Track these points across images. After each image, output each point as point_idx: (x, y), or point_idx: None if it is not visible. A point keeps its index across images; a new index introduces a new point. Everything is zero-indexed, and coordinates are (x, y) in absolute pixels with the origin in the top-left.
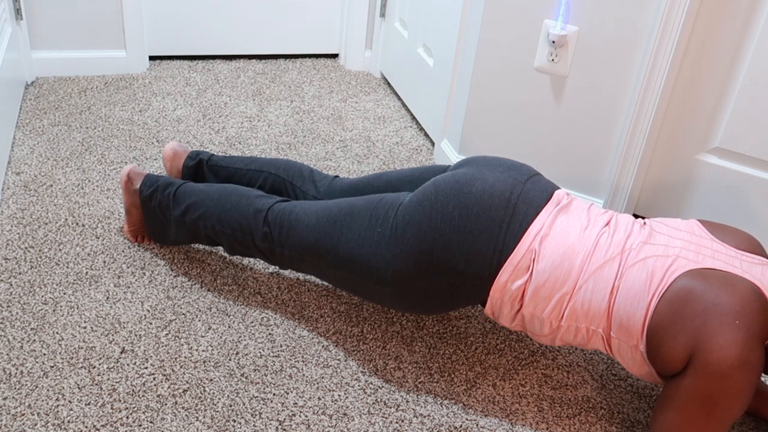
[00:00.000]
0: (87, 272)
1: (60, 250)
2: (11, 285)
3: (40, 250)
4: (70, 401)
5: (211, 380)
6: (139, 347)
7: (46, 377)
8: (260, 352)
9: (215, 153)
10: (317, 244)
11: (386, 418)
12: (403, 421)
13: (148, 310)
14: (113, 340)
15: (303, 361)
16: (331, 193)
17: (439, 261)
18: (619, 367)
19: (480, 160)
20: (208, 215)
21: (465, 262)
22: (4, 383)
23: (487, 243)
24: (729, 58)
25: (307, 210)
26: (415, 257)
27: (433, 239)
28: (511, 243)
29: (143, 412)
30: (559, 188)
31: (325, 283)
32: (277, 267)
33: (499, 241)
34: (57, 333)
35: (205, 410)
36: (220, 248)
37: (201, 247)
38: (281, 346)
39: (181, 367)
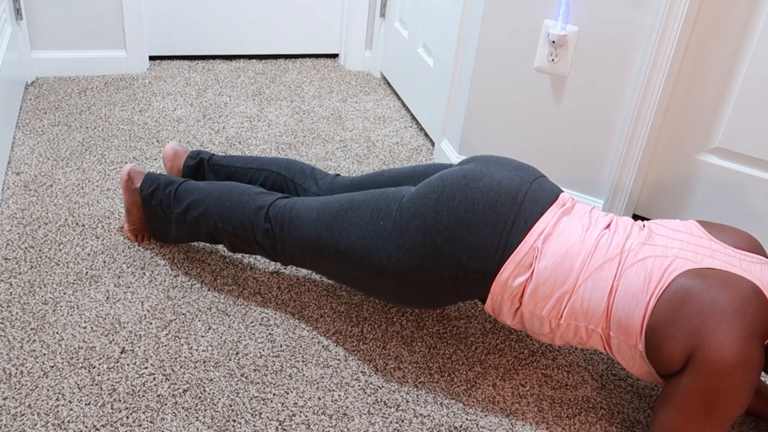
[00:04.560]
0: (87, 272)
1: (60, 250)
2: (11, 285)
3: (40, 250)
4: (70, 401)
5: (211, 380)
6: (139, 347)
7: (46, 377)
8: (260, 352)
9: (215, 153)
10: (318, 238)
11: (386, 418)
12: (403, 421)
13: (148, 310)
14: (113, 340)
15: (303, 361)
16: (333, 191)
17: (442, 253)
18: (619, 367)
19: (487, 158)
20: (210, 213)
21: (468, 255)
22: (4, 383)
23: (492, 238)
24: (729, 58)
25: (308, 206)
26: (419, 249)
27: (437, 232)
28: (516, 240)
29: (143, 412)
30: (563, 191)
31: (325, 283)
32: (279, 264)
33: (504, 236)
34: (57, 333)
35: (205, 410)
36: (221, 247)
37: (201, 246)
38: (281, 346)
39: (181, 367)
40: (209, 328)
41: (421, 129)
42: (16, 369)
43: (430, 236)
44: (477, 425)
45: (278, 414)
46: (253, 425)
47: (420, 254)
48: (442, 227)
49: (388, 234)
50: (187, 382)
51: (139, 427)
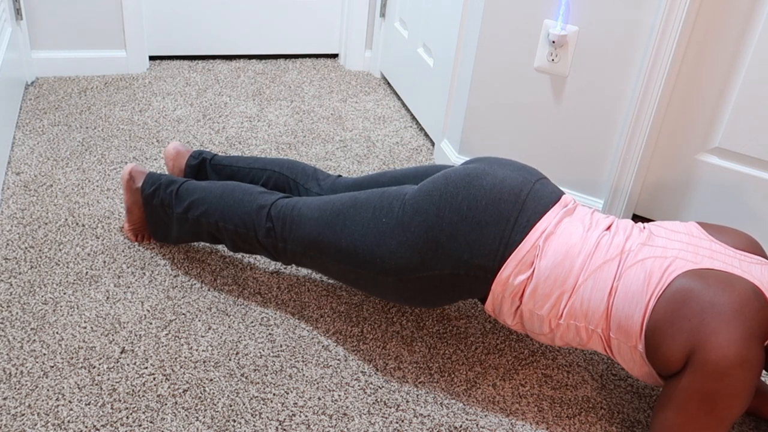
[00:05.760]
0: (87, 272)
1: (60, 250)
2: (11, 285)
3: (40, 250)
4: (70, 401)
5: (211, 380)
6: (139, 347)
7: (46, 377)
8: (260, 352)
9: (216, 153)
10: (320, 237)
11: (386, 418)
12: (403, 421)
13: (148, 310)
14: (113, 340)
15: (303, 361)
16: (335, 191)
17: (444, 250)
18: (619, 367)
19: (490, 159)
20: (211, 212)
21: (470, 252)
22: (4, 383)
23: (494, 235)
24: (729, 58)
25: (310, 205)
26: (421, 246)
27: (439, 228)
28: (518, 237)
29: (143, 412)
30: (565, 194)
31: (325, 283)
32: (279, 264)
33: (506, 234)
34: (57, 333)
35: (205, 410)
36: (221, 247)
37: (201, 246)
38: (281, 346)
39: (181, 367)
40: (209, 328)
41: (421, 129)
42: (16, 369)
43: (433, 233)
44: (477, 425)
45: (278, 414)
46: (253, 425)
47: (422, 251)
48: (445, 224)
49: (390, 231)
50: (187, 382)
51: (139, 427)
